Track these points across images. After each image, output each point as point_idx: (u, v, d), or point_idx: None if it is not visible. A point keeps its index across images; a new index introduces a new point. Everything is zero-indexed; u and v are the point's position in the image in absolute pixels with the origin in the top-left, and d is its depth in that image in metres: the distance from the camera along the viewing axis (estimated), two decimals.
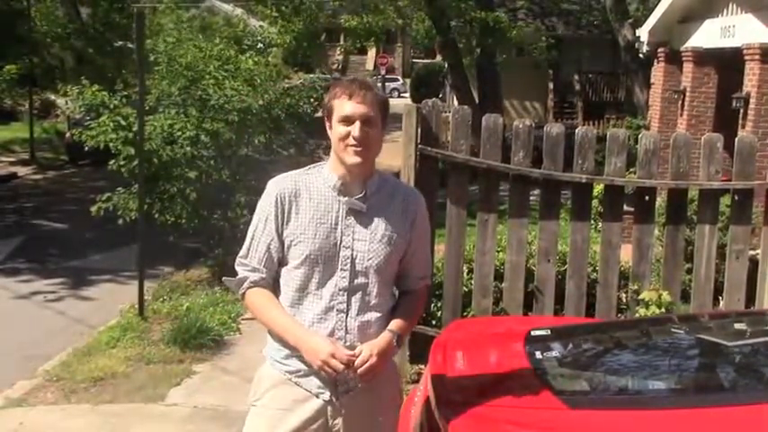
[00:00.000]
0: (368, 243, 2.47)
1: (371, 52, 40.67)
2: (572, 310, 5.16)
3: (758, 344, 3.38)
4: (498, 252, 5.55)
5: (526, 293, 5.25)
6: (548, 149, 5.21)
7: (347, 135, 2.40)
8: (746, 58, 9.55)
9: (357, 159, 2.41)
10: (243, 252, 2.56)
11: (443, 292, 5.29)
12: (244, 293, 2.57)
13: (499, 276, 5.37)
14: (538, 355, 3.06)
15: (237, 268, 2.57)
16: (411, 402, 3.26)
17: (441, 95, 28.15)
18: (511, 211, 5.30)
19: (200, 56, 8.92)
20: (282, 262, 2.52)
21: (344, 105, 2.40)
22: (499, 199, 5.35)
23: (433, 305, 5.36)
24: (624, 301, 5.41)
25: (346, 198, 2.47)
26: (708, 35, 10.91)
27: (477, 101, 17.73)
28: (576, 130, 5.30)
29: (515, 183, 5.26)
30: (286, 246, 2.48)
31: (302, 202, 2.47)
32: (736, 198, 5.30)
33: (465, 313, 5.29)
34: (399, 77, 41.42)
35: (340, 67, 40.03)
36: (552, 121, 17.55)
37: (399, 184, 2.64)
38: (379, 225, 2.48)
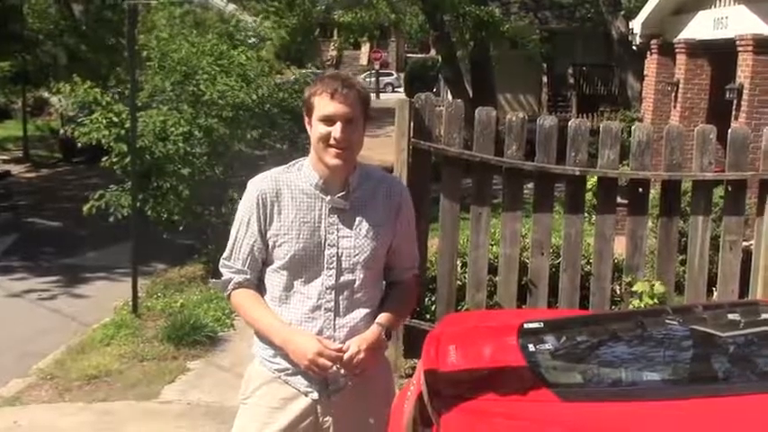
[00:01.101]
0: (353, 239, 2.44)
1: (365, 47, 40.59)
2: (566, 302, 5.16)
3: (752, 334, 3.38)
4: (492, 246, 5.54)
5: (520, 287, 5.24)
6: (541, 142, 5.20)
7: (328, 136, 2.35)
8: (739, 49, 9.55)
9: (338, 162, 2.37)
10: (226, 254, 2.53)
11: (437, 287, 5.29)
12: (229, 295, 2.55)
13: (493, 270, 5.36)
14: (531, 348, 3.05)
15: (222, 270, 2.55)
16: (404, 397, 3.25)
17: (435, 90, 28.07)
18: (504, 205, 5.29)
19: (192, 51, 8.88)
20: (267, 262, 2.49)
21: (326, 105, 2.35)
22: (493, 192, 5.34)
23: (427, 299, 5.36)
24: (618, 293, 5.41)
25: (329, 197, 2.43)
26: (701, 27, 10.91)
27: (470, 95, 17.74)
28: (569, 123, 5.29)
29: (509, 176, 5.25)
30: (270, 246, 2.45)
31: (284, 202, 2.43)
32: (730, 189, 5.30)
33: (459, 307, 5.28)
34: (393, 72, 41.30)
35: (334, 62, 39.97)
36: (546, 114, 17.53)
37: (381, 176, 2.60)
38: (363, 221, 2.45)
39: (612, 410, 2.56)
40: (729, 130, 5.38)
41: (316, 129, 2.39)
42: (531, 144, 5.20)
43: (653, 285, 5.08)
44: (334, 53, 40.36)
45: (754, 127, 7.89)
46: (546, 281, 5.22)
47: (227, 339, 6.14)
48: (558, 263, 5.32)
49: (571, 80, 24.15)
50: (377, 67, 35.17)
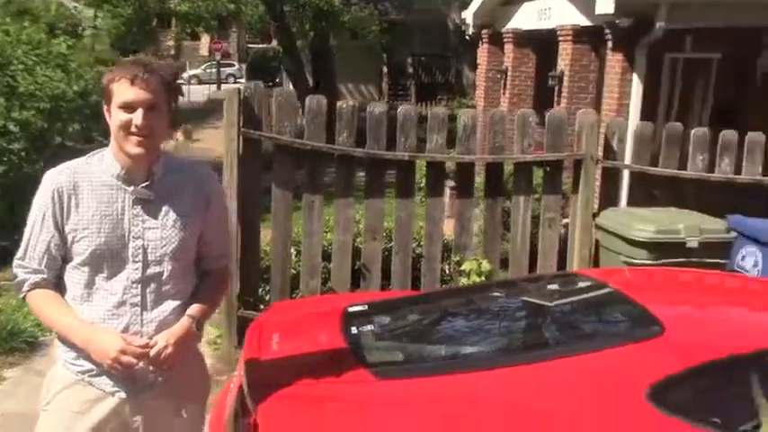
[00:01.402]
0: (160, 230, 2.34)
1: (206, 38, 39.54)
2: (398, 284, 5.26)
3: (567, 303, 3.54)
4: (326, 233, 5.55)
5: (354, 271, 5.29)
6: (371, 129, 5.26)
7: (129, 123, 2.24)
8: (560, 38, 10.09)
9: (140, 150, 2.27)
10: (20, 253, 2.36)
11: (271, 276, 5.23)
12: (25, 296, 2.37)
13: (327, 256, 5.37)
14: (354, 330, 3.06)
15: (16, 270, 2.37)
16: (228, 389, 3.18)
17: (277, 80, 27.88)
18: (337, 192, 5.31)
19: (7, 40, 8.26)
20: (66, 259, 2.34)
21: (126, 91, 2.23)
22: (326, 180, 5.34)
23: (261, 289, 5.29)
24: (448, 272, 5.57)
25: (132, 188, 2.32)
26: (527, 17, 11.42)
27: (311, 84, 17.73)
28: (398, 110, 5.38)
29: (340, 163, 5.27)
30: (69, 242, 2.30)
31: (83, 195, 2.30)
32: (548, 169, 5.59)
33: (294, 295, 5.25)
34: (235, 63, 40.45)
35: (173, 53, 38.65)
36: (386, 103, 17.85)
37: (191, 168, 2.51)
38: (170, 211, 2.36)
39: (430, 384, 2.61)
40: (547, 114, 5.67)
41: (115, 116, 2.27)
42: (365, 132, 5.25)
43: (480, 263, 5.28)
44: (172, 43, 39.03)
45: (573, 111, 8.34)
46: (379, 264, 5.29)
47: (48, 344, 5.72)
48: (391, 246, 5.41)
49: (410, 70, 24.71)
50: (218, 57, 34.32)
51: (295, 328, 3.20)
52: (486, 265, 5.28)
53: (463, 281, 5.24)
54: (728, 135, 5.77)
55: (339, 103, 5.29)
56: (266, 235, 5.41)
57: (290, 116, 5.23)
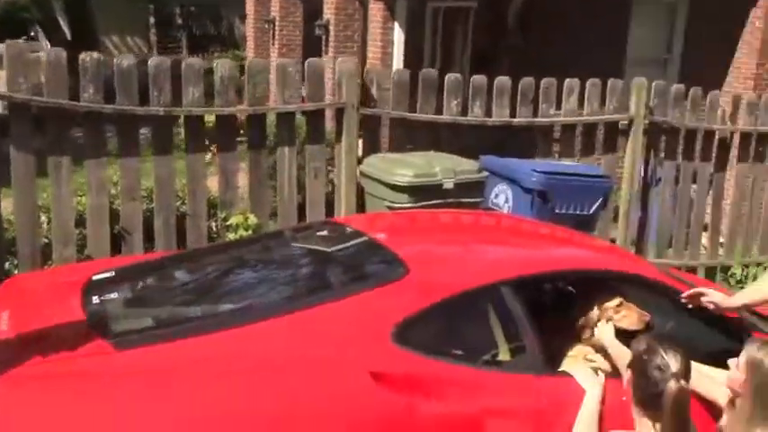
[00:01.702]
0: None
1: None
2: (162, 245, 5.04)
3: (319, 252, 3.53)
4: (81, 197, 5.18)
5: (114, 236, 4.99)
6: (120, 84, 4.93)
7: None
8: None
9: None
10: None
11: (18, 248, 4.79)
12: None
13: (84, 222, 5.02)
14: (96, 300, 2.87)
15: None
16: None
17: (32, 33, 25.48)
18: (87, 152, 4.94)
19: None
20: None
21: None
22: (78, 142, 4.95)
23: (8, 263, 4.84)
24: (215, 229, 5.44)
25: None
26: None
27: (69, 37, 16.42)
28: (149, 62, 5.08)
29: (88, 121, 4.91)
30: None
31: None
32: (311, 119, 5.57)
33: (47, 266, 4.86)
34: None
35: None
36: (156, 56, 16.94)
37: None
38: None
39: (176, 349, 2.50)
40: (306, 63, 5.61)
41: None
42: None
43: (247, 218, 5.18)
44: None
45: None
46: (140, 226, 5.03)
47: None
48: (153, 207, 5.16)
49: (180, 21, 23.59)
50: None
51: (29, 304, 2.94)
52: (253, 219, 5.20)
53: (230, 236, 5.12)
54: (478, 80, 6.06)
55: (82, 56, 4.88)
56: (6, 205, 4.95)
57: (26, 72, 4.75)
